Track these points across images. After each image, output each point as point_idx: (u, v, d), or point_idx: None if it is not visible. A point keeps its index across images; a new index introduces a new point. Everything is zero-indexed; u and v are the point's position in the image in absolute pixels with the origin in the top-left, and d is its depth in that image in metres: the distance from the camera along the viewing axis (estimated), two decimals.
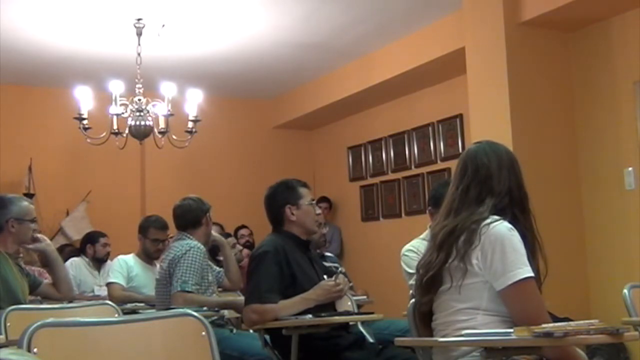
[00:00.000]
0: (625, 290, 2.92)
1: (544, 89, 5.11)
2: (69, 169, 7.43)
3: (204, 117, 6.15)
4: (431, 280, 2.24)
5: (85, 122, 5.65)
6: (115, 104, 5.62)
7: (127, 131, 5.75)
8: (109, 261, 5.71)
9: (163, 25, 5.84)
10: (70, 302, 3.79)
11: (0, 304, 3.06)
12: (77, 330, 1.76)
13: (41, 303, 3.71)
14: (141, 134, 5.77)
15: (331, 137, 8.39)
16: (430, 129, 6.99)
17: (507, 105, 4.92)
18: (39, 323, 1.66)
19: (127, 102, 5.73)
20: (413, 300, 2.37)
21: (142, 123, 5.72)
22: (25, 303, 3.27)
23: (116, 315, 2.78)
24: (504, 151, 2.35)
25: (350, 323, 3.31)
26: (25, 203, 3.57)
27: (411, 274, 3.40)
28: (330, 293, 3.17)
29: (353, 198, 7.98)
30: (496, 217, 2.19)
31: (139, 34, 5.87)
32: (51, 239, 4.90)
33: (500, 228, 2.15)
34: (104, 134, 5.75)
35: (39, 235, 3.65)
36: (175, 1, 5.49)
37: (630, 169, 4.86)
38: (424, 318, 2.33)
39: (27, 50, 6.29)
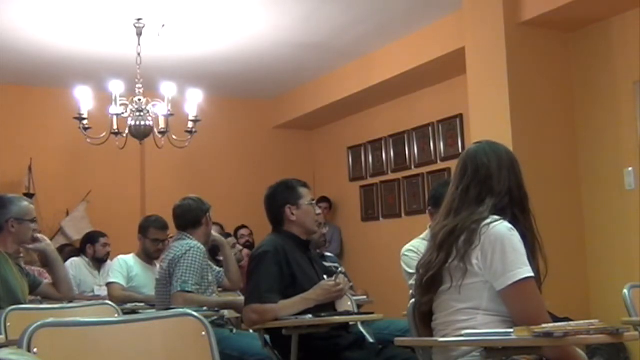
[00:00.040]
0: (625, 290, 2.92)
1: (544, 89, 5.11)
2: (69, 169, 7.43)
3: (204, 117, 6.15)
4: (431, 280, 2.24)
5: (85, 122, 5.65)
6: (115, 104, 5.62)
7: (127, 131, 5.75)
8: (109, 261, 5.71)
9: (163, 25, 5.84)
10: (70, 302, 3.79)
11: (0, 304, 3.06)
12: (77, 330, 1.76)
13: (41, 303, 3.71)
14: (141, 134, 5.77)
15: (331, 137, 8.39)
16: (430, 129, 6.99)
17: (507, 105, 4.92)
18: (39, 323, 1.66)
19: (127, 102, 5.73)
20: (413, 300, 2.37)
21: (142, 123, 5.72)
22: (25, 303, 3.27)
23: (116, 315, 2.78)
24: (504, 151, 2.35)
25: (350, 323, 3.31)
26: (25, 203, 3.57)
27: (411, 274, 3.40)
28: (330, 293, 3.17)
29: (353, 198, 7.98)
30: (496, 217, 2.19)
31: (139, 34, 5.88)
32: (51, 239, 4.90)
33: (501, 228, 2.15)
34: (104, 134, 5.75)
35: (39, 235, 3.65)
36: (175, 1, 5.49)
37: (630, 169, 4.86)
38: (424, 318, 2.33)
39: (27, 50, 6.29)
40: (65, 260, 5.21)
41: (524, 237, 2.18)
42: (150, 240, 4.87)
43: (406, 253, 3.72)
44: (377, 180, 7.69)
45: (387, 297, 5.55)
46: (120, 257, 5.00)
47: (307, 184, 3.47)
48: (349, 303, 3.74)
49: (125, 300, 4.61)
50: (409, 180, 7.27)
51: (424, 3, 5.67)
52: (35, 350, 1.61)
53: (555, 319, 2.30)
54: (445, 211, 2.30)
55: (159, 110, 5.76)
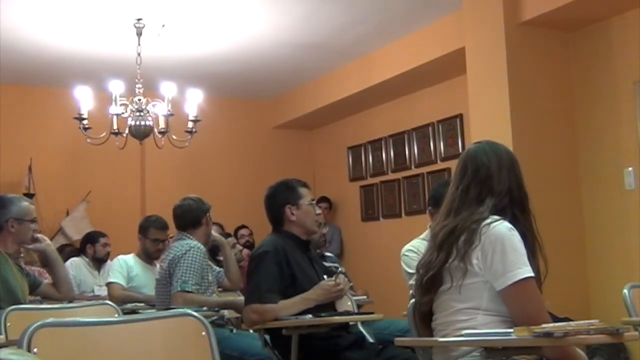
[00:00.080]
0: (625, 290, 2.92)
1: (544, 89, 5.11)
2: (69, 169, 7.43)
3: (204, 117, 6.15)
4: (431, 280, 2.24)
5: (85, 122, 5.65)
6: (115, 104, 5.62)
7: (127, 131, 5.75)
8: (109, 261, 5.71)
9: (163, 25, 5.84)
10: (70, 302, 3.79)
11: (0, 304, 3.06)
12: (77, 330, 1.76)
13: (41, 303, 3.71)
14: (141, 134, 5.77)
15: (331, 137, 8.39)
16: (430, 129, 6.99)
17: (507, 105, 4.92)
18: (39, 323, 1.65)
19: (127, 102, 5.73)
20: (413, 300, 2.36)
21: (142, 123, 5.72)
22: (25, 303, 3.27)
23: (116, 315, 2.78)
24: (504, 151, 2.35)
25: (350, 323, 3.31)
26: (25, 203, 3.57)
27: (411, 274, 3.40)
28: (330, 293, 3.17)
29: (353, 198, 7.98)
30: (496, 217, 2.19)
31: (139, 34, 5.88)
32: (51, 239, 4.90)
33: (501, 228, 2.15)
34: (104, 134, 5.75)
35: (39, 236, 3.65)
36: (175, 1, 5.49)
37: (630, 169, 4.86)
38: (424, 318, 2.33)
39: (27, 50, 6.29)
40: (65, 260, 5.21)
41: (524, 237, 2.18)
42: (150, 240, 4.87)
43: (406, 253, 3.72)
44: (377, 180, 7.69)
45: (387, 297, 5.55)
46: (120, 257, 4.99)
47: (307, 184, 3.47)
48: (349, 303, 3.74)
49: (125, 300, 4.61)
50: (409, 180, 7.27)
51: (424, 3, 5.67)
52: (35, 350, 1.61)
53: (555, 319, 2.30)
54: (445, 211, 2.30)
55: (159, 110, 5.76)
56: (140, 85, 5.83)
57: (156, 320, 1.94)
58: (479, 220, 2.18)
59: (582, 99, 5.18)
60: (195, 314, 1.93)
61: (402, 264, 3.72)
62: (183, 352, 1.89)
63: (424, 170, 7.08)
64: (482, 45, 5.19)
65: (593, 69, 5.11)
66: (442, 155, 6.86)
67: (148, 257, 4.94)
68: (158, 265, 4.53)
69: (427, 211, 3.97)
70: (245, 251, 5.90)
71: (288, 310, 3.09)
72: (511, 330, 1.96)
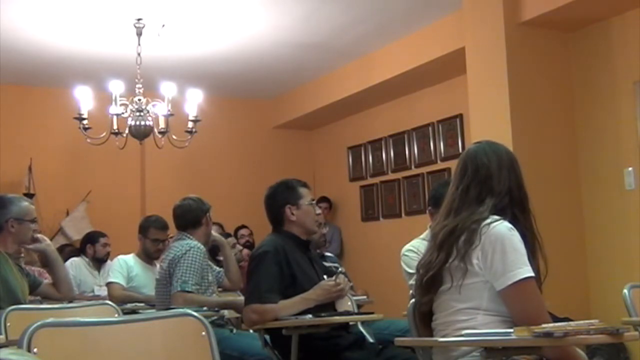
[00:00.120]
0: (625, 290, 2.92)
1: (544, 89, 5.11)
2: (69, 169, 7.44)
3: (204, 117, 6.15)
4: (431, 280, 2.24)
5: (85, 122, 5.65)
6: (115, 104, 5.62)
7: (127, 131, 5.75)
8: (109, 261, 5.71)
9: (163, 25, 5.84)
10: (70, 302, 3.79)
11: (0, 304, 3.06)
12: (77, 330, 1.76)
13: (41, 303, 3.71)
14: (141, 134, 5.77)
15: (331, 137, 8.39)
16: (430, 129, 6.99)
17: (507, 105, 4.92)
18: (39, 323, 1.65)
19: (127, 102, 5.73)
20: (413, 300, 2.36)
21: (142, 123, 5.72)
22: (25, 303, 3.27)
23: (116, 315, 2.78)
24: (504, 151, 2.35)
25: (350, 323, 3.31)
26: (26, 203, 3.57)
27: (411, 274, 3.40)
28: (330, 293, 3.17)
29: (353, 198, 7.98)
30: (496, 217, 2.19)
31: (139, 34, 5.88)
32: (51, 239, 4.90)
33: (501, 228, 2.15)
34: (104, 134, 5.75)
35: (39, 236, 3.65)
36: (175, 1, 5.49)
37: (630, 169, 4.86)
38: (424, 318, 2.33)
39: (27, 50, 6.29)
40: (65, 260, 5.21)
41: (524, 237, 2.18)
42: (150, 240, 4.87)
43: (406, 253, 3.72)
44: (377, 180, 7.69)
45: (387, 297, 5.55)
46: (120, 257, 4.99)
47: (307, 184, 3.47)
48: (349, 303, 3.74)
49: (125, 300, 4.61)
50: (409, 180, 7.27)
51: (424, 3, 5.67)
52: (35, 350, 1.61)
53: (555, 319, 2.30)
54: (445, 211, 2.30)
55: (159, 110, 5.76)
56: (140, 85, 5.83)
57: (156, 320, 1.94)
58: (479, 220, 2.18)
59: (582, 99, 5.18)
60: (195, 314, 1.93)
61: (402, 264, 3.72)
62: (183, 352, 1.89)
63: (424, 170, 7.08)
64: (482, 45, 5.19)
65: (593, 69, 5.11)
66: (442, 155, 6.86)
67: (148, 257, 4.94)
68: (158, 265, 4.53)
69: (427, 211, 3.97)
70: (245, 251, 5.90)
71: (288, 310, 3.09)
72: (511, 330, 1.96)
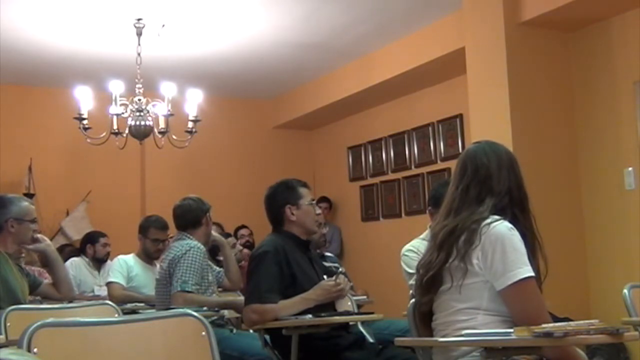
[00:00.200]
0: (625, 290, 2.92)
1: (544, 89, 5.11)
2: (69, 169, 7.44)
3: (204, 117, 6.15)
4: (431, 280, 2.24)
5: (85, 122, 5.65)
6: (115, 104, 5.62)
7: (127, 131, 5.75)
8: (109, 261, 5.71)
9: (163, 25, 5.84)
10: (70, 302, 3.79)
11: (0, 304, 3.06)
12: (77, 330, 1.76)
13: (41, 303, 3.71)
14: (141, 134, 5.77)
15: (331, 137, 8.39)
16: (430, 129, 6.99)
17: (507, 105, 4.92)
18: (39, 323, 1.65)
19: (127, 102, 5.73)
20: (413, 300, 2.36)
21: (142, 123, 5.72)
22: (25, 303, 3.27)
23: (116, 315, 2.78)
24: (504, 151, 2.35)
25: (350, 323, 3.31)
26: (26, 203, 3.57)
27: (411, 274, 3.40)
28: (330, 293, 3.17)
29: (353, 198, 7.98)
30: (496, 216, 2.19)
31: (139, 34, 5.88)
32: (51, 239, 4.90)
33: (501, 228, 2.15)
34: (104, 134, 5.75)
35: (39, 236, 3.64)
36: (175, 1, 5.49)
37: (630, 169, 4.86)
38: (424, 318, 2.33)
39: (27, 50, 6.29)
40: (65, 260, 5.21)
41: (524, 236, 2.18)
42: (151, 240, 4.87)
43: (406, 253, 3.72)
44: (377, 180, 7.69)
45: (387, 297, 5.55)
46: (120, 257, 5.00)
47: (307, 184, 3.47)
48: (349, 303, 3.74)
49: (125, 300, 4.61)
50: (409, 180, 7.27)
51: (424, 3, 5.67)
52: (35, 350, 1.61)
53: (555, 319, 2.30)
54: (445, 211, 2.30)
55: (159, 110, 5.76)
56: (140, 85, 5.83)
57: (156, 320, 1.94)
58: (479, 220, 2.18)
59: (582, 99, 5.18)
60: (195, 314, 1.93)
61: (402, 264, 3.72)
62: (183, 352, 1.89)
63: (424, 170, 7.08)
64: (482, 45, 5.19)
65: (593, 69, 5.11)
66: (442, 155, 6.86)
67: (148, 257, 4.94)
68: (158, 265, 4.53)
69: (427, 211, 3.97)
70: (246, 251, 5.89)
71: (288, 310, 3.09)
72: (511, 330, 1.96)
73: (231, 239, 5.65)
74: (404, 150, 7.31)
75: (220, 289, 4.64)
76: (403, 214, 7.33)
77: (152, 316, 2.18)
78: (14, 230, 3.45)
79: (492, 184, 2.26)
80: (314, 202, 3.46)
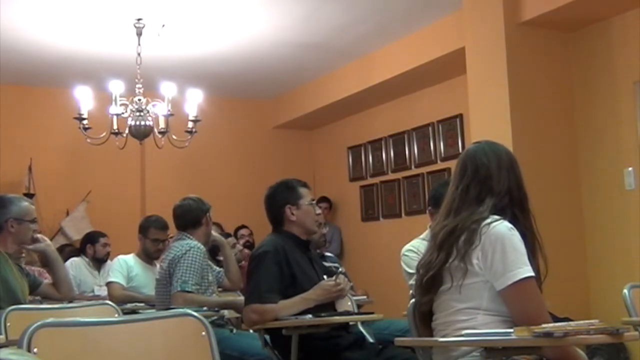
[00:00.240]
0: (625, 290, 2.92)
1: (544, 89, 5.12)
2: (69, 169, 7.44)
3: (204, 117, 6.15)
4: (431, 280, 2.24)
5: (85, 122, 5.65)
6: (115, 104, 5.62)
7: (127, 131, 5.75)
8: (109, 261, 5.71)
9: (163, 25, 5.84)
10: (70, 302, 3.79)
11: (0, 304, 3.06)
12: (77, 330, 1.76)
13: (41, 303, 3.71)
14: (141, 134, 5.77)
15: (331, 137, 8.39)
16: (430, 129, 6.99)
17: (507, 105, 4.92)
18: (39, 323, 1.65)
19: (127, 102, 5.73)
20: (413, 300, 2.36)
21: (142, 123, 5.72)
22: (25, 303, 3.27)
23: (116, 315, 2.78)
24: (504, 151, 2.35)
25: (350, 323, 3.31)
26: (26, 203, 3.56)
27: (411, 274, 3.40)
28: (331, 293, 3.17)
29: (353, 198, 7.98)
30: (496, 216, 2.19)
31: (139, 34, 5.88)
32: (51, 239, 4.90)
33: (501, 228, 2.15)
34: (104, 134, 5.75)
35: (38, 236, 3.64)
36: (175, 1, 5.49)
37: (630, 169, 4.86)
38: (424, 318, 2.33)
39: (27, 50, 6.29)
40: (65, 260, 5.21)
41: (524, 236, 2.18)
42: (151, 240, 4.87)
43: (406, 253, 3.72)
44: (377, 180, 7.69)
45: (387, 297, 5.55)
46: (120, 257, 4.99)
47: (307, 184, 3.47)
48: (349, 303, 3.74)
49: (125, 300, 4.61)
50: (409, 180, 7.27)
51: (424, 3, 5.67)
52: (35, 350, 1.61)
53: (555, 319, 2.30)
54: (445, 211, 2.30)
55: (159, 110, 5.76)
56: (140, 85, 5.83)
57: (156, 320, 1.94)
58: (479, 220, 2.18)
59: (582, 99, 5.18)
60: (195, 314, 1.93)
61: (402, 264, 3.72)
62: (183, 352, 1.89)
63: (424, 170, 7.08)
64: (482, 45, 5.19)
65: (593, 69, 5.11)
66: (442, 155, 6.86)
67: (148, 257, 4.94)
68: (158, 265, 4.53)
69: (427, 211, 3.97)
70: (246, 251, 5.89)
71: (288, 310, 3.09)
72: (511, 330, 1.96)
73: (231, 239, 5.65)
74: (404, 150, 7.31)
75: (220, 289, 4.65)
76: (403, 214, 7.33)
77: (152, 316, 2.18)
78: (14, 230, 3.45)
79: (492, 184, 2.26)
80: (314, 202, 3.46)
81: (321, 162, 8.54)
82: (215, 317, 3.79)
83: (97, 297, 5.15)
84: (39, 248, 3.65)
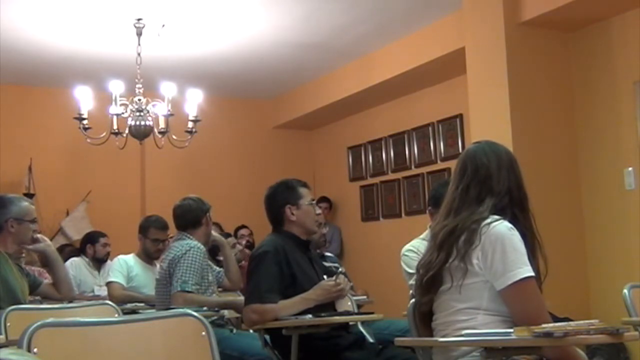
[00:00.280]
0: (625, 290, 2.92)
1: (544, 89, 5.12)
2: (69, 169, 7.44)
3: (204, 117, 6.15)
4: (431, 280, 2.24)
5: (85, 122, 5.65)
6: (115, 104, 5.62)
7: (127, 131, 5.75)
8: (109, 261, 5.71)
9: (163, 25, 5.84)
10: (70, 302, 3.79)
11: (0, 304, 3.06)
12: (77, 330, 1.76)
13: (41, 303, 3.71)
14: (141, 134, 5.77)
15: (331, 137, 8.39)
16: (430, 129, 6.99)
17: (507, 105, 4.92)
18: (39, 323, 1.65)
19: (127, 102, 5.73)
20: (413, 300, 2.36)
21: (142, 123, 5.72)
22: (25, 303, 3.27)
23: (116, 315, 2.78)
24: (504, 151, 2.35)
25: (350, 323, 3.31)
26: (26, 203, 3.56)
27: (411, 274, 3.40)
28: (331, 293, 3.17)
29: (353, 198, 7.98)
30: (496, 216, 2.19)
31: (139, 34, 5.88)
32: (51, 239, 4.90)
33: (501, 228, 2.15)
34: (104, 134, 5.75)
35: (39, 236, 3.64)
36: (175, 1, 5.49)
37: (630, 169, 4.86)
38: (424, 318, 2.33)
39: (27, 50, 6.29)
40: (65, 260, 5.21)
41: (523, 236, 2.18)
42: (151, 240, 4.87)
43: (406, 253, 3.73)
44: (377, 180, 7.69)
45: (387, 297, 5.55)
46: (120, 256, 4.99)
47: (307, 184, 3.47)
48: (349, 303, 3.74)
49: (125, 300, 4.61)
50: (409, 180, 7.27)
51: (424, 3, 5.67)
52: (35, 350, 1.61)
53: (555, 319, 2.30)
54: (445, 211, 2.30)
55: (159, 110, 5.76)
56: (140, 85, 5.83)
57: (156, 320, 1.94)
58: (479, 220, 2.18)
59: (582, 99, 5.18)
60: (195, 314, 1.93)
61: (402, 264, 3.72)
62: (183, 352, 1.89)
63: (424, 170, 7.08)
64: (482, 45, 5.19)
65: (593, 69, 5.11)
66: (442, 155, 6.86)
67: (148, 257, 4.94)
68: (158, 265, 4.53)
69: (427, 211, 3.97)
70: (246, 251, 5.89)
71: (288, 310, 3.09)
72: (511, 330, 1.96)
73: (231, 239, 5.65)
74: (404, 150, 7.31)
75: (220, 289, 4.64)
76: (403, 214, 7.33)
77: (152, 316, 2.18)
78: (14, 230, 3.45)
79: (492, 184, 2.26)
80: (314, 202, 3.46)
81: (321, 162, 8.54)
82: (215, 317, 3.79)
83: (97, 297, 5.15)
84: (39, 248, 3.65)
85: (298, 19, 5.90)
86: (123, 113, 5.70)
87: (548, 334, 1.85)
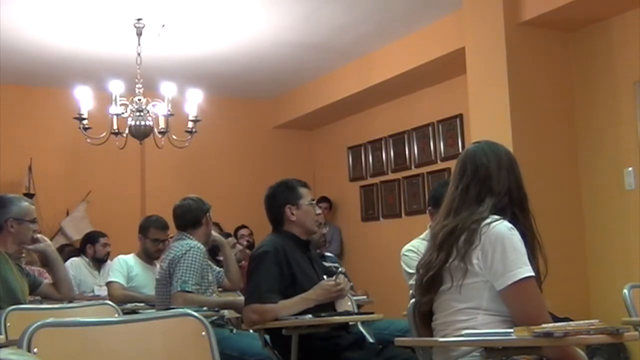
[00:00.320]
0: (625, 290, 2.92)
1: (544, 89, 5.12)
2: (69, 169, 7.44)
3: (204, 117, 6.15)
4: (431, 280, 2.24)
5: (85, 122, 5.65)
6: (115, 104, 5.62)
7: (127, 131, 5.75)
8: (109, 261, 5.71)
9: (163, 25, 5.84)
10: (70, 302, 3.79)
11: (0, 304, 3.06)
12: (77, 330, 1.76)
13: (41, 303, 3.71)
14: (141, 134, 5.77)
15: (331, 137, 8.39)
16: (430, 129, 6.99)
17: (507, 105, 4.92)
18: (39, 323, 1.65)
19: (127, 102, 5.73)
20: (413, 300, 2.37)
21: (142, 123, 5.72)
22: (25, 303, 3.27)
23: (116, 315, 2.78)
24: (503, 151, 2.35)
25: (350, 323, 3.31)
26: (25, 203, 3.56)
27: (411, 274, 3.40)
28: (330, 293, 3.17)
29: (353, 198, 7.98)
30: (496, 216, 2.19)
31: (139, 34, 5.88)
32: (51, 239, 4.90)
33: (501, 228, 2.15)
34: (104, 134, 5.75)
35: (39, 236, 3.64)
36: (175, 1, 5.49)
37: (630, 169, 4.86)
38: (424, 318, 2.33)
39: (27, 50, 6.29)
40: (65, 260, 5.21)
41: (523, 236, 2.18)
42: (151, 240, 4.87)
43: (406, 253, 3.73)
44: (377, 180, 7.69)
45: (387, 297, 5.55)
46: (121, 256, 4.99)
47: (307, 184, 3.47)
48: (349, 303, 3.74)
49: (125, 300, 4.61)
50: (409, 180, 7.27)
51: (424, 3, 5.67)
52: (35, 350, 1.61)
53: (555, 319, 2.30)
54: (445, 211, 2.30)
55: (159, 110, 5.76)
56: (140, 85, 5.83)
57: (156, 320, 1.94)
58: (479, 220, 2.18)
59: (582, 99, 5.18)
60: (195, 314, 1.93)
61: (402, 264, 3.72)
62: (183, 352, 1.89)
63: (424, 170, 7.08)
64: (482, 45, 5.19)
65: (593, 69, 5.11)
66: (442, 155, 6.86)
67: (148, 257, 4.94)
68: (158, 265, 4.53)
69: (427, 211, 3.97)
70: (247, 251, 5.89)
71: (288, 310, 3.09)
72: (511, 330, 1.96)
73: (231, 239, 5.65)
74: (404, 150, 7.31)
75: (220, 289, 4.64)
76: (403, 214, 7.33)
77: (152, 316, 2.18)
78: (14, 230, 3.45)
79: (491, 184, 2.26)
80: (314, 202, 3.46)
81: (321, 162, 8.54)
82: (215, 317, 3.79)
83: (97, 297, 5.15)
84: (39, 248, 3.65)
85: (298, 19, 5.90)
86: (123, 113, 5.70)
87: (548, 334, 1.85)
